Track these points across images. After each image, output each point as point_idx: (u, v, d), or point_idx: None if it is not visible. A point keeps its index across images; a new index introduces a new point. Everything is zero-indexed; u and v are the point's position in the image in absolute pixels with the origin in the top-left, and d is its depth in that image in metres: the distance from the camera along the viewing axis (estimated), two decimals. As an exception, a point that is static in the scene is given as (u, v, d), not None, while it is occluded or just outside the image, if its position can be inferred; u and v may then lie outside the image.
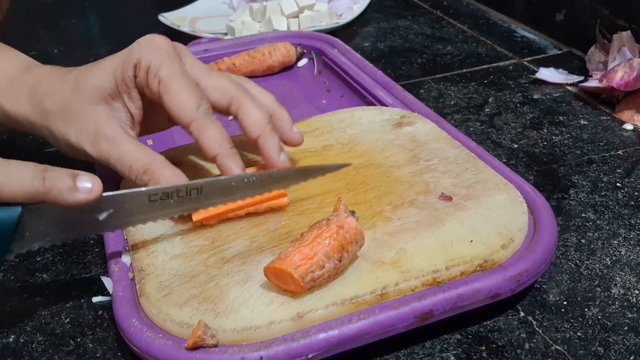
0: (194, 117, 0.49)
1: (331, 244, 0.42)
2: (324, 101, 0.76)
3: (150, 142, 0.66)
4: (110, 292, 0.45)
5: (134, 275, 0.46)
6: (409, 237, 0.47)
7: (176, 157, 0.57)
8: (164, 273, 0.45)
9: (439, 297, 0.42)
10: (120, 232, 0.50)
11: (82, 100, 0.50)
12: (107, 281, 0.47)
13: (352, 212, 0.46)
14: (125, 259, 0.48)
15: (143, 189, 0.46)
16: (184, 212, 0.47)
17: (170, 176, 0.48)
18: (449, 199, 0.51)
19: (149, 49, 0.50)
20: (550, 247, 0.47)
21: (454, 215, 0.49)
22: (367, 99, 0.73)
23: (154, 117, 0.54)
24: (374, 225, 0.48)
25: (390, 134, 0.61)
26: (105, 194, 0.44)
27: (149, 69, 0.50)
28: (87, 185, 0.42)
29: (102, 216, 0.45)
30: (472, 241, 0.46)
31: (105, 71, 0.51)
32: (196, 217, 0.49)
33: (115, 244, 0.49)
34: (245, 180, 0.48)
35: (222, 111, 0.53)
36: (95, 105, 0.50)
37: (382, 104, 0.70)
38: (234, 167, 0.49)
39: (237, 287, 0.43)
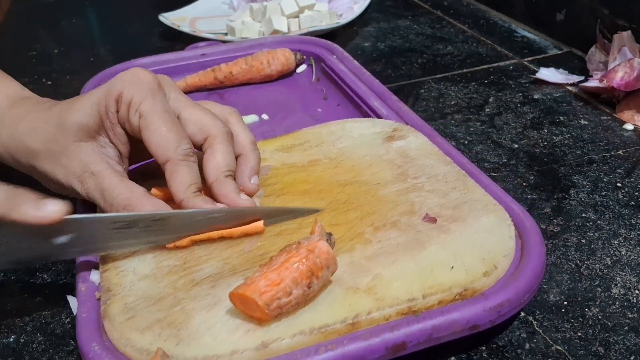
0: (170, 156, 0.48)
1: (299, 269, 0.40)
2: (320, 110, 0.75)
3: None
4: (74, 313, 0.44)
5: (100, 295, 0.44)
6: (388, 262, 0.45)
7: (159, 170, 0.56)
8: (131, 294, 0.44)
9: (412, 328, 0.40)
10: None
11: (68, 138, 0.49)
12: (72, 300, 0.46)
13: (330, 235, 0.44)
14: (95, 277, 0.47)
15: (106, 214, 0.45)
16: (148, 244, 0.47)
17: (151, 210, 0.47)
18: (433, 220, 0.49)
19: (131, 83, 0.49)
20: (536, 276, 0.44)
21: (437, 239, 0.47)
22: (362, 108, 0.72)
23: (137, 149, 0.53)
24: (352, 249, 0.46)
25: (380, 148, 0.59)
26: (67, 216, 0.43)
27: (130, 104, 0.49)
28: (52, 207, 0.42)
29: (63, 240, 0.44)
30: (453, 267, 0.44)
31: (88, 107, 0.50)
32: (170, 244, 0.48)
33: (85, 261, 0.48)
34: (210, 215, 0.47)
35: (196, 146, 0.52)
36: (81, 142, 0.50)
37: (377, 114, 0.68)
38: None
39: (203, 312, 0.42)
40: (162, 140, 0.48)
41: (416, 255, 0.45)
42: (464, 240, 0.47)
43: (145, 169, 0.57)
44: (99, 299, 0.45)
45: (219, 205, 0.49)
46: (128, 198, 0.48)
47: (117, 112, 0.49)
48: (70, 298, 0.46)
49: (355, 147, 0.60)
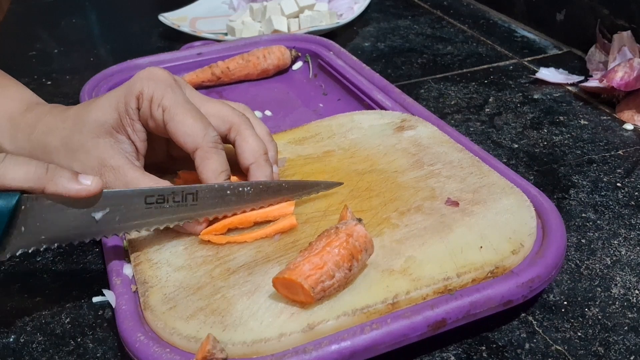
0: (199, 144, 0.49)
1: (341, 253, 0.42)
2: (321, 105, 0.76)
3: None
4: (113, 306, 0.45)
5: (137, 288, 0.45)
6: (418, 244, 0.47)
7: (172, 167, 0.56)
8: (168, 285, 0.45)
9: (451, 305, 0.42)
10: (120, 243, 0.50)
11: (85, 135, 0.51)
12: (109, 294, 0.46)
13: (359, 220, 0.45)
14: (127, 270, 0.47)
15: (140, 188, 0.46)
16: (179, 221, 0.47)
17: None
18: (456, 204, 0.51)
19: (150, 81, 0.50)
20: (560, 252, 0.47)
21: (462, 221, 0.49)
22: (364, 102, 0.73)
23: (152, 149, 0.54)
24: (381, 233, 0.48)
25: (392, 138, 0.61)
26: (104, 190, 0.44)
27: (152, 99, 0.50)
28: (87, 181, 0.43)
29: (98, 215, 0.44)
30: (482, 247, 0.46)
31: (107, 105, 0.51)
32: (204, 235, 0.48)
33: (115, 255, 0.48)
34: (240, 189, 0.49)
35: (221, 138, 0.53)
36: (99, 138, 0.51)
37: (381, 107, 0.69)
38: None
39: (244, 298, 0.43)
40: (190, 129, 0.49)
41: (444, 237, 0.47)
42: (488, 221, 0.49)
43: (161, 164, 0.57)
44: (135, 292, 0.45)
45: None
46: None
47: (139, 109, 0.50)
48: (106, 292, 0.47)
49: (367, 137, 0.61)
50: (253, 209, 0.50)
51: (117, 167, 0.50)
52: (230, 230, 0.49)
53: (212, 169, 0.49)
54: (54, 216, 0.43)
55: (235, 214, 0.49)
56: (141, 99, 0.50)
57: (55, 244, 0.44)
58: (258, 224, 0.50)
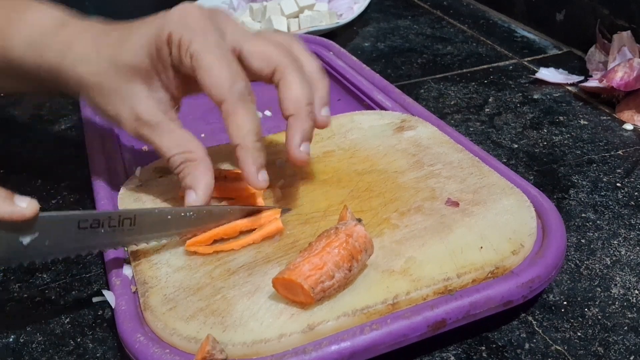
0: (225, 96, 0.45)
1: (341, 254, 0.42)
2: (321, 105, 0.76)
3: (145, 148, 0.65)
4: (113, 306, 0.45)
5: (136, 289, 0.45)
6: (418, 245, 0.47)
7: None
8: (168, 286, 0.44)
9: (451, 305, 0.42)
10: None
11: (120, 78, 0.48)
12: (108, 295, 0.46)
13: (359, 220, 0.45)
14: (127, 271, 0.47)
15: (74, 213, 0.43)
16: (115, 247, 0.45)
17: (200, 174, 0.47)
18: (456, 204, 0.51)
19: (179, 22, 0.46)
20: (560, 252, 0.47)
21: (462, 221, 0.49)
22: (364, 102, 0.73)
23: (195, 89, 0.50)
24: (381, 233, 0.48)
25: (391, 138, 0.61)
26: (40, 214, 0.41)
27: (180, 45, 0.46)
28: (23, 204, 0.40)
29: (26, 240, 0.41)
30: (482, 247, 0.46)
31: (139, 47, 0.47)
32: (190, 247, 0.47)
33: (115, 256, 0.48)
34: (182, 214, 0.46)
35: (265, 80, 0.49)
36: (133, 85, 0.48)
37: (381, 107, 0.69)
38: (250, 163, 0.46)
39: (244, 299, 0.43)
40: (215, 79, 0.45)
41: (444, 238, 0.47)
42: (488, 222, 0.49)
43: (219, 150, 0.58)
44: (134, 292, 0.45)
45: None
46: (184, 157, 0.48)
47: (171, 54, 0.47)
48: (106, 292, 0.46)
49: (367, 138, 0.61)
50: (195, 234, 0.47)
51: (154, 125, 0.48)
52: (216, 241, 0.48)
53: (238, 125, 0.46)
54: None
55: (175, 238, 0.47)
56: (171, 44, 0.46)
57: None
58: (244, 232, 0.49)
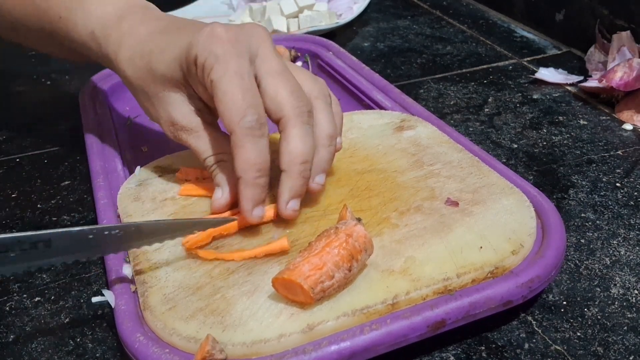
0: (234, 128, 0.45)
1: (341, 254, 0.42)
2: (321, 105, 0.76)
3: (145, 148, 0.65)
4: (113, 306, 0.45)
5: (136, 288, 0.45)
6: (417, 244, 0.47)
7: (172, 165, 0.57)
8: (168, 285, 0.44)
9: (451, 305, 0.42)
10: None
11: (158, 84, 0.50)
12: (108, 294, 0.46)
13: (358, 220, 0.45)
14: (127, 270, 0.47)
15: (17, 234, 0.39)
16: (28, 269, 0.41)
17: (229, 174, 0.49)
18: (456, 204, 0.51)
19: (206, 44, 0.46)
20: (560, 252, 0.47)
21: (462, 221, 0.49)
22: (364, 102, 0.73)
23: None
24: (381, 233, 0.48)
25: (391, 138, 0.61)
26: None
27: (204, 68, 0.46)
28: None
29: None
30: (481, 247, 0.46)
31: (172, 60, 0.48)
32: (190, 246, 0.47)
33: (115, 255, 0.48)
34: (106, 233, 0.42)
35: (274, 122, 0.48)
36: (169, 92, 0.50)
37: (381, 107, 0.69)
38: (248, 198, 0.46)
39: (244, 298, 0.43)
40: (227, 110, 0.45)
41: (444, 238, 0.47)
42: (488, 221, 0.49)
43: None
44: (134, 292, 0.45)
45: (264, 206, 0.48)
46: (217, 158, 0.50)
47: (197, 74, 0.47)
48: (106, 292, 0.46)
49: (366, 137, 0.61)
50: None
51: (190, 129, 0.50)
52: (215, 238, 0.48)
53: (244, 159, 0.45)
54: None
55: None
56: (197, 65, 0.47)
57: None
58: (244, 229, 0.49)
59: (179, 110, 0.50)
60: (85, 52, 0.56)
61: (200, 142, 0.50)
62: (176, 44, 0.48)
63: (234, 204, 0.50)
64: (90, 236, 0.42)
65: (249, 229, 0.49)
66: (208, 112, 0.51)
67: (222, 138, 0.50)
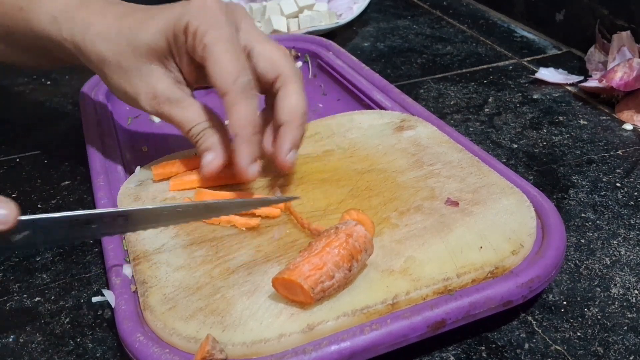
0: (229, 88, 0.47)
1: (341, 253, 0.42)
2: (320, 105, 0.75)
3: (145, 148, 0.65)
4: (113, 306, 0.45)
5: (136, 288, 0.45)
6: (417, 244, 0.47)
7: (169, 165, 0.56)
8: (168, 285, 0.44)
9: (451, 305, 0.42)
10: (119, 242, 0.50)
11: (138, 58, 0.50)
12: (108, 294, 0.46)
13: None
14: (127, 270, 0.47)
15: (65, 215, 0.42)
16: (109, 235, 0.47)
17: (218, 138, 0.50)
18: (456, 204, 0.51)
19: (198, 13, 0.48)
20: (560, 252, 0.47)
21: (462, 221, 0.49)
22: (364, 102, 0.73)
23: (204, 77, 0.52)
24: (381, 233, 0.48)
25: (391, 138, 0.61)
26: (24, 218, 0.40)
27: (195, 34, 0.48)
28: (2, 210, 0.39)
29: (16, 237, 0.41)
30: (481, 247, 0.46)
31: (156, 30, 0.50)
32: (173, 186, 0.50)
33: (115, 255, 0.48)
34: (179, 210, 0.46)
35: (266, 84, 0.51)
36: (150, 64, 0.50)
37: (381, 107, 0.69)
38: (244, 154, 0.49)
39: (244, 298, 0.43)
40: (221, 71, 0.47)
41: (444, 238, 0.47)
42: (488, 221, 0.49)
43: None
44: (134, 292, 0.45)
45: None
46: (202, 128, 0.50)
47: (186, 42, 0.49)
48: (106, 292, 0.46)
49: (366, 137, 0.61)
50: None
51: (174, 101, 0.50)
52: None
53: (239, 117, 0.48)
54: None
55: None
56: (187, 32, 0.48)
57: None
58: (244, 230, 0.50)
59: (162, 82, 0.50)
60: (46, 43, 0.54)
61: (186, 113, 0.50)
62: (161, 16, 0.50)
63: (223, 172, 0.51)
64: (165, 212, 0.46)
65: (249, 229, 0.49)
66: (186, 84, 0.52)
67: (203, 107, 0.51)
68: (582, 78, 0.80)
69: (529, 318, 0.46)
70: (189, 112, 0.50)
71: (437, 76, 0.84)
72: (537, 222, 0.49)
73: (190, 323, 0.41)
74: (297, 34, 0.90)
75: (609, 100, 0.75)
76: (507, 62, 0.87)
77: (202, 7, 0.49)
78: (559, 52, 0.90)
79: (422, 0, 1.12)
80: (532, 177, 0.62)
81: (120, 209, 0.45)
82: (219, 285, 0.44)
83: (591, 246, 0.53)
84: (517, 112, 0.74)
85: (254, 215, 0.50)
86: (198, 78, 0.53)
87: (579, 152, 0.66)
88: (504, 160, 0.65)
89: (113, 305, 0.45)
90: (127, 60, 0.50)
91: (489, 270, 0.45)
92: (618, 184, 0.61)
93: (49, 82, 0.85)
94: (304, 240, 0.47)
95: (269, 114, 0.53)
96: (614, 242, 0.54)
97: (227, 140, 0.50)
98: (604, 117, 0.73)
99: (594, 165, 0.64)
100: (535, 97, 0.78)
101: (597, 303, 0.48)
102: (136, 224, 0.45)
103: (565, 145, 0.68)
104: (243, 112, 0.48)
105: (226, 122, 0.50)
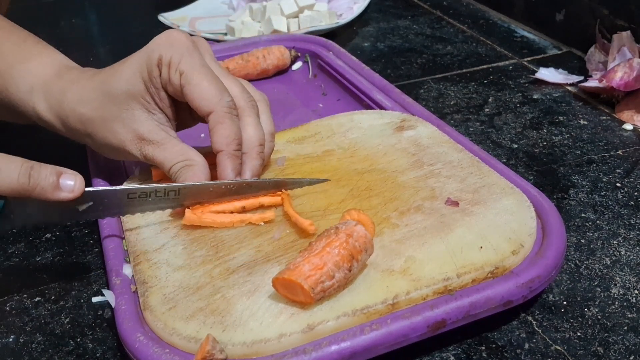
0: (214, 107, 0.49)
1: (341, 253, 0.42)
2: (321, 105, 0.76)
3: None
4: (113, 306, 0.45)
5: (136, 288, 0.45)
6: (418, 244, 0.47)
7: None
8: (168, 285, 0.45)
9: (451, 305, 0.42)
10: (119, 242, 0.50)
11: (119, 107, 0.51)
12: (108, 294, 0.46)
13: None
14: (127, 270, 0.47)
15: (122, 187, 0.48)
16: (161, 209, 0.50)
17: (196, 173, 0.50)
18: (456, 204, 0.51)
19: (168, 45, 0.50)
20: (560, 252, 0.47)
21: (462, 221, 0.49)
22: (364, 102, 0.73)
23: (179, 115, 0.54)
24: (381, 233, 0.48)
25: (391, 138, 0.61)
26: (87, 189, 0.46)
27: (170, 64, 0.50)
28: (70, 183, 0.45)
29: (82, 207, 0.46)
30: (482, 247, 0.46)
31: (131, 74, 0.51)
32: (188, 220, 0.49)
33: (115, 255, 0.48)
34: (223, 187, 0.50)
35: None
36: (132, 110, 0.51)
37: (381, 107, 0.69)
38: (229, 169, 0.50)
39: (244, 298, 0.43)
40: (205, 93, 0.50)
41: (444, 237, 0.47)
42: (488, 221, 0.49)
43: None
44: (134, 292, 0.45)
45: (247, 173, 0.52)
46: (180, 166, 0.51)
47: (160, 75, 0.50)
48: (106, 292, 0.46)
49: (366, 137, 0.61)
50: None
51: (157, 142, 0.51)
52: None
53: (224, 135, 0.50)
54: (40, 209, 0.45)
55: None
56: (161, 65, 0.50)
57: (43, 224, 0.47)
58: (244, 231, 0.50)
59: (145, 125, 0.52)
60: (21, 108, 0.56)
61: (167, 153, 0.51)
62: (131, 60, 0.51)
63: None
64: (211, 189, 0.50)
65: (251, 229, 0.49)
66: (168, 124, 0.53)
67: (186, 147, 0.52)
68: (582, 78, 0.80)
69: (529, 318, 0.46)
70: (169, 153, 0.51)
71: (437, 76, 0.84)
72: (537, 222, 0.49)
73: (190, 323, 0.41)
74: (297, 34, 0.90)
75: (609, 100, 0.75)
76: (507, 62, 0.87)
77: (170, 40, 0.51)
78: (559, 52, 0.90)
79: (422, 0, 1.12)
80: (532, 177, 0.62)
81: (172, 184, 0.49)
82: (219, 285, 0.44)
83: (591, 246, 0.53)
84: (517, 112, 0.74)
85: (262, 206, 0.51)
86: (176, 112, 0.54)
87: (579, 152, 0.66)
88: (504, 160, 0.65)
89: (113, 305, 0.45)
90: (109, 111, 0.51)
91: (489, 270, 0.45)
92: (618, 184, 0.61)
93: (49, 82, 0.85)
94: (304, 240, 0.47)
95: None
96: (614, 242, 0.54)
97: (205, 176, 0.51)
98: (604, 117, 0.73)
99: (594, 165, 0.64)
100: (535, 97, 0.78)
101: (597, 303, 0.48)
102: (185, 198, 0.49)
103: (565, 145, 0.68)
104: (228, 130, 0.50)
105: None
